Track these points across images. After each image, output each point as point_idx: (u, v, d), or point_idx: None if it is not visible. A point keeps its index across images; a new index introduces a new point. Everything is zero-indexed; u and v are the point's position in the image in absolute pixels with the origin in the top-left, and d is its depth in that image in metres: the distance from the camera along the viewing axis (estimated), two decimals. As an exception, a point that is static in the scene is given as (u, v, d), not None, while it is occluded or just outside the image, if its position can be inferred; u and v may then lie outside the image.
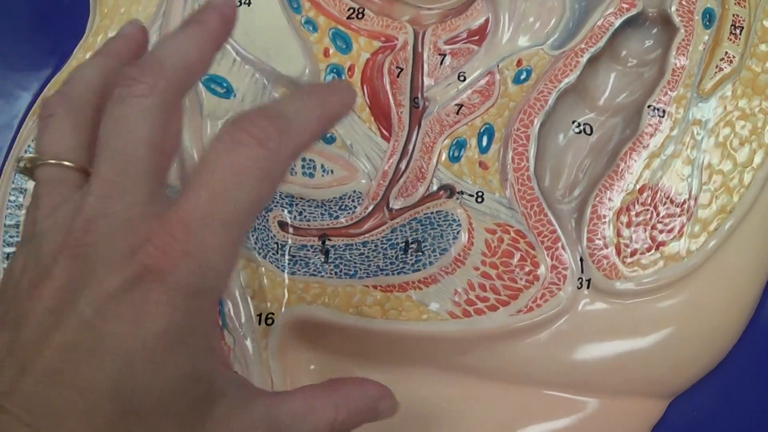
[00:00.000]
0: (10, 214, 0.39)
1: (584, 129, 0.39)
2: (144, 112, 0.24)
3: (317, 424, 0.26)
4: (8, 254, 0.39)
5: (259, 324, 0.36)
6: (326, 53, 0.38)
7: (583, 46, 0.38)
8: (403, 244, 0.37)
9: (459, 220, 0.37)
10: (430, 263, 0.36)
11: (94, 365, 0.22)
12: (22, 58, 0.42)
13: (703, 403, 0.39)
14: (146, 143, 0.23)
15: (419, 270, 0.36)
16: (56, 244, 0.23)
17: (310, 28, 0.39)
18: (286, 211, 0.37)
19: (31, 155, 0.26)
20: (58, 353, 0.22)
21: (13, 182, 0.39)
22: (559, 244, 0.36)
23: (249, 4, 0.38)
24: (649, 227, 0.37)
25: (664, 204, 0.37)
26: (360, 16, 0.39)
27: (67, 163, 0.25)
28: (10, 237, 0.39)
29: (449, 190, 0.37)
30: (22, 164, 0.27)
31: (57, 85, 0.40)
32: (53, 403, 0.21)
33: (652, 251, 0.37)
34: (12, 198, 0.39)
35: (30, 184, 0.39)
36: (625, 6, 0.39)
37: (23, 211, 0.39)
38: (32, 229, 0.25)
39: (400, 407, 0.30)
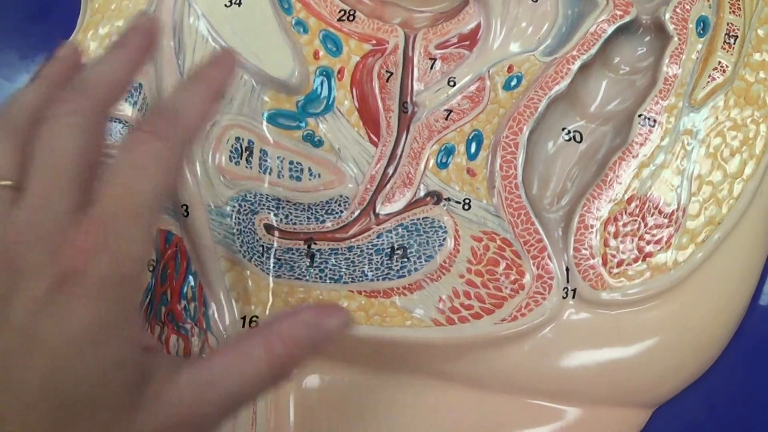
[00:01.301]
0: None
1: (574, 136, 0.38)
2: (70, 128, 0.26)
3: (251, 368, 0.26)
4: None
5: (243, 327, 0.36)
6: (316, 55, 0.38)
7: (574, 53, 0.38)
8: (389, 249, 0.37)
9: (445, 227, 0.36)
10: (416, 269, 0.36)
11: (26, 367, 0.23)
12: (12, 53, 0.41)
13: (686, 412, 0.39)
14: (72, 157, 0.25)
15: (404, 276, 0.36)
16: None
17: (301, 30, 0.38)
18: (272, 214, 0.37)
19: None
20: None
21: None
22: (546, 254, 0.36)
23: (239, 4, 0.38)
24: (637, 238, 0.37)
25: (652, 214, 0.37)
26: (351, 18, 0.38)
27: (4, 182, 0.26)
28: None
29: (436, 197, 0.37)
30: None
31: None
32: None
33: (639, 262, 0.37)
34: None
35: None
36: (618, 13, 0.38)
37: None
38: None
39: (353, 320, 0.29)
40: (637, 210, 0.37)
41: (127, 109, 0.39)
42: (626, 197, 0.37)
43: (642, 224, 0.37)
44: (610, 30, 0.38)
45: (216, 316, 0.36)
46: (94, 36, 0.40)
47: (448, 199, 0.37)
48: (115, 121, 0.38)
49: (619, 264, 0.37)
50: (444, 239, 0.36)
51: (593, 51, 0.38)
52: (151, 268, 0.37)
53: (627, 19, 0.38)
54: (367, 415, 0.38)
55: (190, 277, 0.36)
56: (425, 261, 0.36)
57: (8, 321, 0.23)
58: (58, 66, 0.30)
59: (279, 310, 0.32)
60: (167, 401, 0.25)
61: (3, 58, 0.42)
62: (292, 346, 0.27)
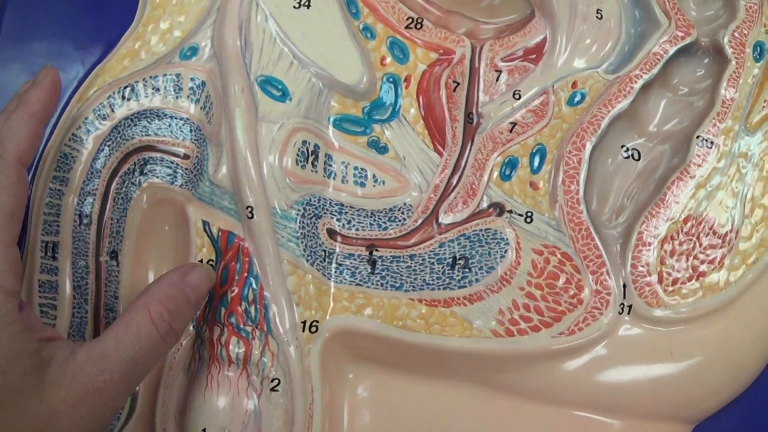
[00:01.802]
0: (49, 202, 0.38)
1: (632, 154, 0.39)
2: None
3: (138, 331, 0.31)
4: (45, 243, 0.38)
5: (303, 331, 0.36)
6: (383, 62, 0.38)
7: (637, 72, 0.38)
8: (451, 259, 0.37)
9: (507, 239, 0.37)
10: (477, 280, 0.36)
11: None
12: (67, 44, 0.41)
13: (725, 429, 0.40)
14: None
15: (465, 287, 0.37)
16: None
17: (368, 35, 0.38)
18: (335, 219, 0.37)
19: None
20: None
21: (55, 169, 0.38)
22: (604, 269, 0.37)
23: (308, 6, 0.37)
24: (692, 257, 0.37)
25: (707, 235, 0.38)
26: (418, 26, 0.39)
27: None
28: (49, 226, 0.38)
29: (499, 209, 0.37)
30: None
31: (102, 72, 0.40)
32: None
33: (693, 281, 0.37)
34: (52, 186, 0.38)
35: (73, 173, 0.39)
36: (680, 34, 0.39)
37: (62, 200, 0.38)
38: None
39: (211, 272, 0.35)
40: (693, 230, 0.38)
41: (191, 108, 0.38)
42: (683, 217, 0.38)
43: (697, 244, 0.38)
44: (672, 51, 0.39)
45: (277, 319, 0.36)
46: (155, 30, 0.40)
47: (511, 212, 0.37)
48: (178, 119, 0.38)
49: (674, 282, 0.37)
50: (506, 251, 0.37)
51: (655, 71, 0.38)
52: (210, 268, 0.37)
53: (688, 41, 0.39)
54: (419, 420, 0.38)
55: (252, 280, 0.36)
56: (486, 272, 0.37)
57: None
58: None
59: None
60: (69, 377, 0.29)
61: (58, 49, 0.41)
62: (168, 303, 0.32)
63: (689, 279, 0.37)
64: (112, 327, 0.31)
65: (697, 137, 0.38)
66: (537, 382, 0.38)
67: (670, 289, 0.37)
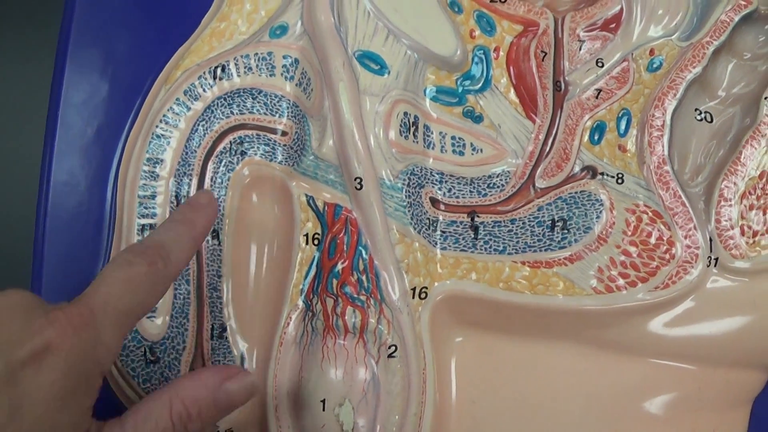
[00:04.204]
0: (144, 184, 0.38)
1: (705, 117, 0.41)
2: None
3: (155, 426, 0.30)
4: (143, 226, 0.38)
5: (413, 298, 0.37)
6: (472, 34, 0.39)
7: (708, 39, 0.40)
8: (550, 222, 0.38)
9: (602, 200, 0.38)
10: (575, 241, 0.38)
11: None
12: (149, 28, 0.41)
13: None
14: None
15: (565, 247, 0.38)
16: None
17: (456, 9, 0.39)
18: (436, 188, 0.38)
19: None
20: None
21: (147, 152, 0.38)
22: (692, 225, 0.39)
23: (398, -19, 0.38)
24: (768, 210, 0.40)
25: (781, 189, 0.40)
26: (503, 0, 0.40)
27: None
28: (145, 208, 0.38)
29: (592, 171, 0.39)
30: None
31: (189, 54, 0.40)
32: None
33: (771, 232, 0.40)
34: (146, 168, 0.38)
35: (167, 154, 0.39)
36: (742, 3, 0.41)
37: (158, 182, 0.38)
38: None
39: (258, 387, 0.33)
40: (768, 185, 0.40)
41: (286, 86, 0.39)
42: (758, 173, 0.40)
43: (772, 198, 0.40)
44: (737, 18, 0.41)
45: (388, 287, 0.37)
46: (240, 10, 0.40)
47: (603, 174, 0.39)
48: (273, 97, 0.38)
49: (755, 234, 0.39)
50: (601, 212, 0.38)
51: (724, 37, 0.41)
52: (316, 242, 0.37)
53: (750, 9, 0.41)
54: (522, 379, 0.39)
55: (362, 249, 0.37)
56: (584, 232, 0.38)
57: None
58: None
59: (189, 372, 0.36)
60: None
61: (138, 33, 0.41)
62: (193, 406, 0.31)
63: (767, 231, 0.40)
64: (133, 412, 0.31)
65: (765, 98, 0.40)
66: (631, 335, 0.39)
67: (751, 241, 0.39)
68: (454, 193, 0.38)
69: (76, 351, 0.28)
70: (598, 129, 0.39)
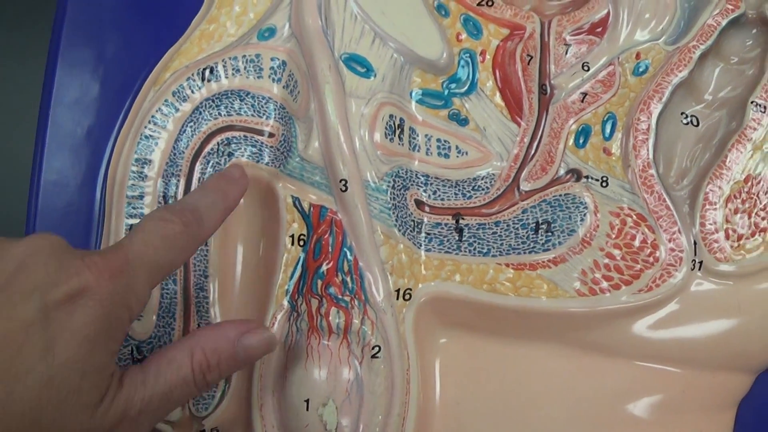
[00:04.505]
0: (132, 185, 0.39)
1: (691, 120, 0.41)
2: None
3: (178, 371, 0.31)
4: (131, 226, 0.38)
5: (397, 299, 0.37)
6: (458, 38, 0.40)
7: (694, 43, 0.41)
8: (534, 224, 0.38)
9: (586, 203, 0.39)
10: (560, 243, 0.38)
11: (31, 359, 0.27)
12: (138, 30, 0.41)
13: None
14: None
15: (549, 250, 0.38)
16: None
17: (442, 12, 0.40)
18: (421, 190, 0.38)
19: None
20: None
21: (135, 152, 0.39)
22: (676, 228, 0.39)
23: (385, -15, 0.39)
24: (753, 214, 0.40)
25: (766, 193, 0.40)
26: (490, 3, 0.40)
27: None
28: (133, 209, 0.38)
29: (576, 174, 0.39)
30: None
31: (178, 55, 0.40)
32: None
33: (756, 236, 0.40)
34: (134, 169, 0.39)
35: (155, 155, 0.39)
36: (730, 7, 0.41)
37: (146, 183, 0.39)
38: None
39: (276, 343, 0.34)
40: (753, 189, 0.40)
41: (273, 88, 0.39)
42: (743, 177, 0.40)
43: (757, 201, 0.40)
44: (725, 22, 0.41)
45: (372, 288, 0.37)
46: (228, 13, 0.40)
47: (587, 177, 0.39)
48: (261, 99, 0.39)
49: (739, 238, 0.40)
50: (585, 214, 0.38)
51: (711, 41, 0.41)
52: (301, 243, 0.38)
53: (737, 13, 0.41)
54: (507, 380, 0.39)
55: (347, 251, 0.37)
56: (568, 235, 0.38)
57: (21, 316, 0.27)
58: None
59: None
60: (118, 401, 0.29)
61: (127, 35, 0.41)
62: (213, 357, 0.32)
63: (752, 235, 0.40)
64: (155, 358, 0.31)
65: (752, 102, 0.41)
66: (615, 338, 0.39)
67: (736, 244, 0.39)
68: (439, 196, 0.38)
69: (111, 296, 0.28)
70: (584, 132, 0.40)
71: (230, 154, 0.39)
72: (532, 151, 0.39)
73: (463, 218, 0.38)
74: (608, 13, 0.41)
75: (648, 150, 0.39)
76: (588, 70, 0.40)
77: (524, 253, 0.38)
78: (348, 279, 0.37)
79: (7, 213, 0.47)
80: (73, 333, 0.27)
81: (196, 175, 0.39)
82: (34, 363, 0.27)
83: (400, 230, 0.37)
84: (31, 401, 0.26)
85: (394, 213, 0.37)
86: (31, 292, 0.27)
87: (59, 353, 0.27)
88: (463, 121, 0.39)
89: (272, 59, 0.39)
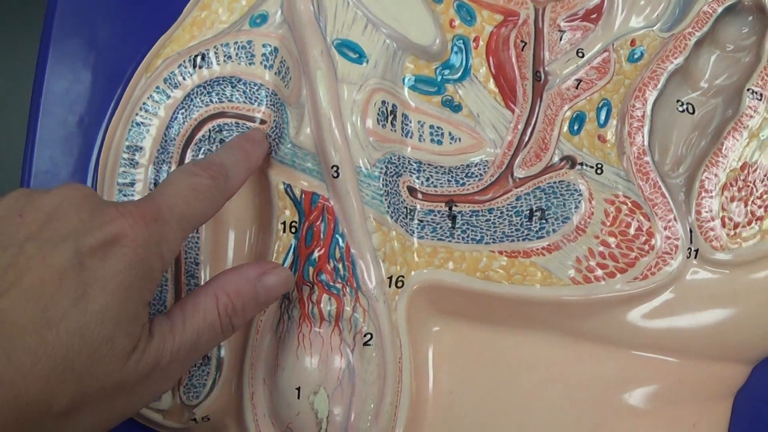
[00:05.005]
0: (123, 172, 0.38)
1: (687, 108, 0.41)
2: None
3: (204, 317, 0.31)
4: (121, 213, 0.38)
5: (390, 286, 0.37)
6: (451, 24, 0.39)
7: (690, 30, 0.40)
8: (528, 211, 0.38)
9: (580, 190, 0.38)
10: (554, 231, 0.38)
11: (66, 303, 0.26)
12: (130, 17, 0.41)
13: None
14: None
15: (543, 237, 0.38)
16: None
17: (436, -1, 0.39)
18: (414, 176, 0.38)
19: None
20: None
21: (127, 139, 0.38)
22: (672, 216, 0.38)
23: (378, -30, 0.38)
24: (750, 202, 0.39)
25: (762, 181, 0.40)
26: (484, -11, 0.40)
27: None
28: (124, 196, 0.38)
29: (571, 161, 0.39)
30: None
31: (170, 42, 0.40)
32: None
33: (752, 224, 0.39)
34: (125, 156, 0.38)
35: (146, 142, 0.39)
36: (726, -6, 0.41)
37: (137, 170, 0.38)
38: None
39: (293, 279, 0.35)
40: (749, 177, 0.40)
41: (265, 74, 0.39)
42: (740, 165, 0.40)
43: (754, 189, 0.40)
44: (720, 9, 0.41)
45: (365, 275, 0.37)
46: (220, 0, 0.40)
47: (582, 164, 0.39)
48: (253, 85, 0.39)
49: (735, 226, 0.39)
50: (579, 202, 0.38)
51: (706, 28, 0.40)
52: (293, 230, 0.37)
53: (733, 0, 0.41)
54: (500, 369, 0.39)
55: (338, 238, 0.37)
56: (562, 222, 0.38)
57: (57, 256, 0.27)
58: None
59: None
60: (150, 349, 0.29)
61: (119, 22, 0.41)
62: (236, 298, 0.32)
63: (748, 223, 0.39)
64: (180, 306, 0.31)
65: (748, 90, 0.40)
66: (610, 326, 0.39)
67: (732, 233, 0.39)
68: (432, 182, 0.38)
69: (145, 244, 0.28)
70: (578, 119, 0.39)
71: (222, 141, 0.38)
72: (526, 138, 0.39)
73: (456, 205, 0.38)
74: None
75: (643, 137, 0.39)
76: (582, 56, 0.40)
77: (518, 240, 0.38)
78: (340, 266, 0.37)
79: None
80: (108, 280, 0.27)
81: (188, 162, 0.38)
82: (67, 310, 0.26)
83: (392, 217, 0.37)
84: (65, 349, 0.26)
85: (386, 200, 0.37)
86: (64, 238, 0.27)
87: (93, 300, 0.27)
88: (456, 108, 0.39)
89: (264, 45, 0.39)
